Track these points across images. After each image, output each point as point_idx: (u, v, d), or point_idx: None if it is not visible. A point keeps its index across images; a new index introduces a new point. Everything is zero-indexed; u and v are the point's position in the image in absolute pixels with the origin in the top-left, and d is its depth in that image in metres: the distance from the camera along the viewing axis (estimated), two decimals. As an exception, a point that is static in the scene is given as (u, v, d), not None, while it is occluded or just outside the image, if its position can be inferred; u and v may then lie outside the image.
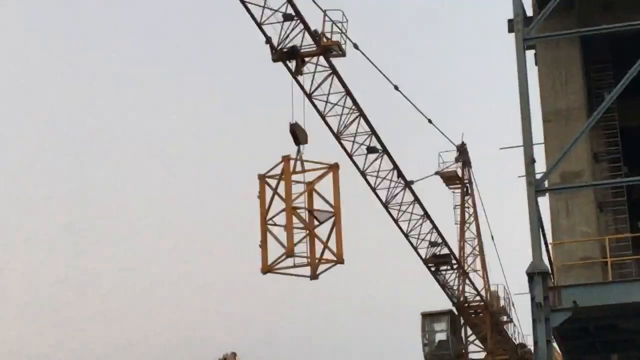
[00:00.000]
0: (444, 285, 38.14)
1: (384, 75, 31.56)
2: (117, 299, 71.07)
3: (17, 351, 61.39)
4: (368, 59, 30.36)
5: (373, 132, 31.13)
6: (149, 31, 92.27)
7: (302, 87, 28.73)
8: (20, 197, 76.27)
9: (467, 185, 40.67)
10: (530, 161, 19.79)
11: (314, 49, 28.29)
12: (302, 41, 27.99)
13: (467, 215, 40.73)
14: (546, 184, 20.87)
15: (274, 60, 28.15)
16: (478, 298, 38.71)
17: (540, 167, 21.78)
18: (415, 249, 36.33)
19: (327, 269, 27.80)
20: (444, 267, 38.42)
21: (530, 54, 25.22)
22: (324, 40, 28.24)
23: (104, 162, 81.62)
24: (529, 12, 23.96)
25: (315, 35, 28.02)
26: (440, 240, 37.18)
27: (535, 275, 19.43)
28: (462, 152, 39.52)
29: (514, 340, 40.13)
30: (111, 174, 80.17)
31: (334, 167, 27.96)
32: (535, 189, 19.64)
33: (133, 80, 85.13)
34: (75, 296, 71.48)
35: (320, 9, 27.43)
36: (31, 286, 73.25)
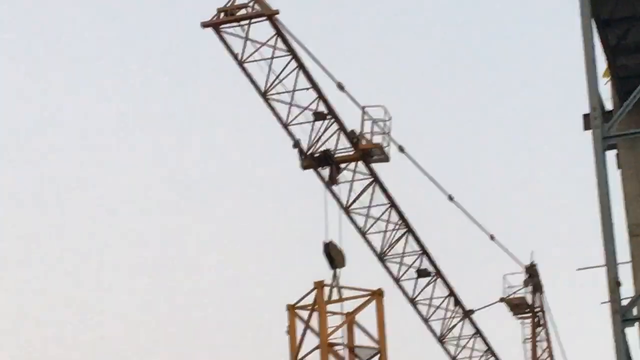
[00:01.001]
0: None
1: (435, 183, 28.63)
2: None
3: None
4: (416, 163, 27.41)
5: (424, 251, 28.10)
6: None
7: (337, 199, 25.98)
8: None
9: (539, 314, 36.85)
10: (614, 284, 15.94)
11: (352, 153, 25.56)
12: (337, 144, 25.23)
13: (539, 351, 36.48)
14: (635, 311, 16.73)
15: (304, 167, 25.44)
16: None
17: (628, 291, 17.73)
18: (478, 391, 32.35)
19: None
20: None
21: (611, 155, 21.35)
22: (363, 142, 25.44)
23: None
24: (609, 106, 21.09)
25: (352, 137, 25.19)
26: None
27: None
28: (532, 274, 35.86)
29: None
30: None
31: (377, 295, 25.35)
32: (622, 317, 15.91)
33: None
34: None
35: (358, 105, 24.72)
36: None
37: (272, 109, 23.69)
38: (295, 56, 23.45)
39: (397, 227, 27.16)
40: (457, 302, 29.88)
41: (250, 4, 23.73)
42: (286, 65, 23.71)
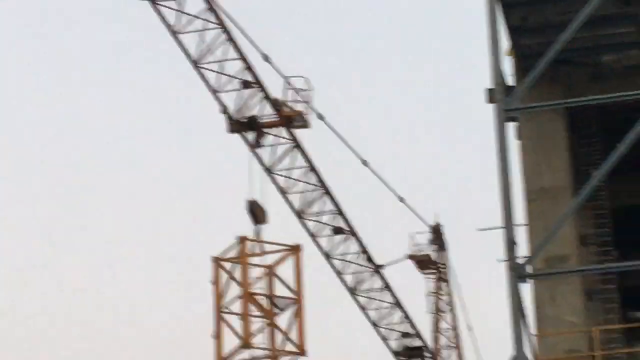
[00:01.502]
0: None
1: (351, 149, 30.93)
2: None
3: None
4: (334, 130, 29.70)
5: (339, 211, 30.52)
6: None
7: (261, 161, 28.03)
8: None
9: (443, 270, 39.31)
10: (511, 244, 16.76)
11: (275, 119, 27.61)
12: (261, 110, 27.30)
13: (442, 304, 39.31)
14: (529, 269, 17.41)
15: (231, 131, 27.43)
16: None
17: (523, 250, 19.37)
18: (385, 340, 34.87)
19: None
20: None
21: (512, 127, 23.77)
22: (286, 109, 27.55)
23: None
24: (512, 82, 24.10)
25: (276, 104, 27.30)
26: (412, 331, 35.85)
27: None
28: (437, 234, 38.26)
29: None
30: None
31: (296, 249, 27.74)
32: (516, 275, 16.70)
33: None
34: None
35: (282, 75, 26.79)
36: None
37: (203, 76, 25.56)
38: (225, 29, 25.43)
39: (315, 188, 29.15)
40: (369, 258, 32.08)
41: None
42: (218, 38, 25.65)
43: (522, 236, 20.11)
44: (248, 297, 27.29)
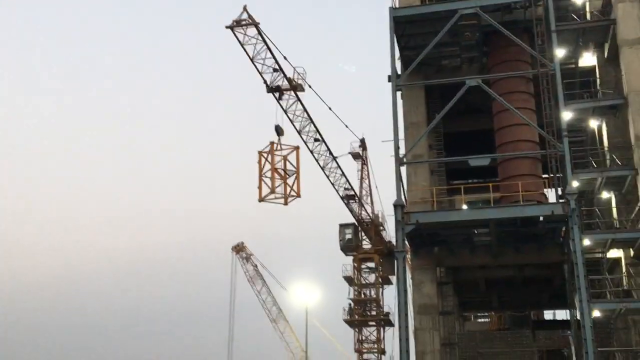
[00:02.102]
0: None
1: (323, 101, 46.97)
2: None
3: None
4: (317, 93, 46.05)
5: (317, 130, 47.02)
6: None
7: (282, 106, 44.48)
8: None
9: (365, 159, 53.69)
10: (397, 148, 30.83)
11: (289, 87, 43.82)
12: (282, 82, 43.68)
13: (364, 177, 53.76)
14: (405, 159, 31.59)
15: (268, 91, 43.78)
16: (368, 218, 52.63)
17: (402, 150, 31.51)
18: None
19: (292, 200, 43.04)
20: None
21: (399, 94, 35.70)
22: (294, 82, 43.69)
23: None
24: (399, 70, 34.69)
25: (290, 80, 43.70)
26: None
27: (398, 206, 30.24)
28: (362, 144, 53.87)
29: (385, 239, 53.49)
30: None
31: (297, 148, 43.75)
32: (399, 163, 30.85)
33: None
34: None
35: (292, 65, 43.50)
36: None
37: (256, 66, 42.68)
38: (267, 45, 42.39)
39: (306, 120, 46.17)
40: (330, 151, 48.64)
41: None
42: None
43: (402, 144, 32.04)
44: (274, 170, 42.21)
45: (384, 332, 51.76)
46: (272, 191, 42.73)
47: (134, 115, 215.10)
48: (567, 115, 31.19)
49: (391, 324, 51.21)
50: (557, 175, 31.43)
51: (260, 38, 42.36)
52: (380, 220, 52.70)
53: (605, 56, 34.71)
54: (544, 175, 34.90)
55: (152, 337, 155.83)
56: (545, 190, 35.27)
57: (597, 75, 34.85)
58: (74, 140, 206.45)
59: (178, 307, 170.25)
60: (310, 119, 46.96)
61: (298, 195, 43.35)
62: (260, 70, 43.86)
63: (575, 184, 30.43)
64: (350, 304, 52.13)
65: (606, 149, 33.54)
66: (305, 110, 46.49)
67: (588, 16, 34.98)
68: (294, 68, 44.23)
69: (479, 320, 50.01)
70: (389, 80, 33.24)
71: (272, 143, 43.77)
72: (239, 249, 60.54)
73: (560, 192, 32.93)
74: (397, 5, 34.26)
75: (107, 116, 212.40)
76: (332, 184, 50.83)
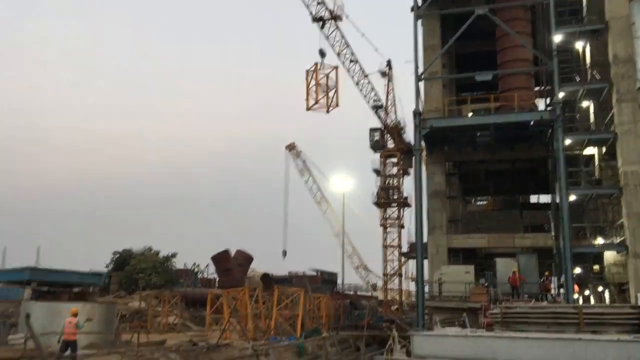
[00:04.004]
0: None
1: (357, 29, 47.04)
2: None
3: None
4: (352, 23, 46.77)
5: (352, 53, 46.23)
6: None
7: (324, 34, 43.94)
8: None
9: (390, 76, 52.57)
10: (416, 67, 30.41)
11: (330, 17, 43.41)
12: (324, 13, 43.37)
13: (390, 91, 52.08)
14: (422, 76, 31.12)
15: (312, 21, 43.37)
16: (392, 123, 51.17)
17: (420, 69, 31.03)
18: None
19: (333, 109, 42.65)
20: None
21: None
22: (334, 13, 43.37)
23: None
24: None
25: (331, 11, 43.27)
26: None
27: (416, 114, 30.26)
28: (388, 64, 52.48)
29: (405, 140, 51.81)
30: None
31: (336, 68, 43.17)
32: (418, 79, 30.44)
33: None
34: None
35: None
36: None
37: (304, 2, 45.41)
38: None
39: (344, 44, 44.83)
40: (360, 67, 47.74)
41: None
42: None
43: (421, 65, 31.29)
44: (318, 83, 41.88)
45: (403, 211, 52.57)
46: (317, 102, 42.37)
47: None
48: (557, 38, 30.54)
49: (409, 205, 52.05)
50: (547, 88, 31.28)
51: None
52: (401, 125, 52.37)
53: (592, -13, 33.37)
54: (535, 88, 34.93)
55: (222, 215, 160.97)
56: (536, 100, 35.14)
57: (584, 4, 33.66)
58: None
59: (245, 194, 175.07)
60: (347, 43, 46.09)
61: (337, 105, 42.78)
62: (306, 3, 43.32)
63: (561, 95, 30.12)
64: (377, 190, 52.95)
65: (588, 66, 32.73)
66: (343, 36, 45.60)
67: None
68: (334, 1, 43.58)
69: (478, 203, 50.16)
70: (412, 10, 32.71)
71: (316, 64, 43.12)
72: (291, 147, 61.07)
73: (548, 102, 32.57)
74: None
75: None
76: (364, 97, 50.17)
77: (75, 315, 18.00)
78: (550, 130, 30.13)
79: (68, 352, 17.19)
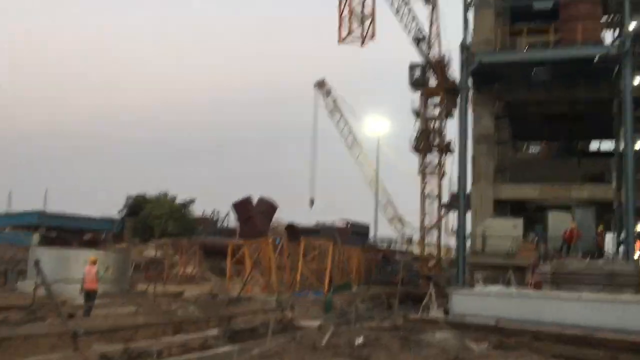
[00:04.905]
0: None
1: None
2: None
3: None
4: None
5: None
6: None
7: None
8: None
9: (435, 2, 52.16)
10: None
11: None
12: None
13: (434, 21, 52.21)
14: (472, 3, 32.66)
15: None
16: (435, 58, 51.20)
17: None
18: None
19: (368, 42, 40.93)
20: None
21: None
22: None
23: None
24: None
25: None
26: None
27: (464, 47, 31.05)
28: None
29: (449, 78, 50.57)
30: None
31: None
32: (467, 6, 32.01)
33: None
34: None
35: None
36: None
37: None
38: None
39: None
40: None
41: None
42: None
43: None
44: (352, 13, 40.38)
45: (444, 158, 52.28)
46: (350, 32, 40.83)
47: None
48: (630, -42, 29.26)
49: (451, 151, 51.60)
50: (616, 17, 30.00)
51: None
52: (445, 60, 51.33)
53: None
54: (603, 19, 33.06)
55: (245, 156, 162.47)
56: (602, 32, 33.42)
57: None
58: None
59: (274, 134, 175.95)
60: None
61: (373, 36, 41.11)
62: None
63: (632, 26, 29.28)
64: (417, 134, 52.49)
65: (666, -8, 31.47)
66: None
67: None
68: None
69: (530, 150, 49.44)
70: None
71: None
72: (320, 84, 60.44)
73: (617, 34, 31.61)
74: None
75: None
76: (405, 27, 49.21)
77: (94, 263, 18.62)
78: (617, 68, 29.30)
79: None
